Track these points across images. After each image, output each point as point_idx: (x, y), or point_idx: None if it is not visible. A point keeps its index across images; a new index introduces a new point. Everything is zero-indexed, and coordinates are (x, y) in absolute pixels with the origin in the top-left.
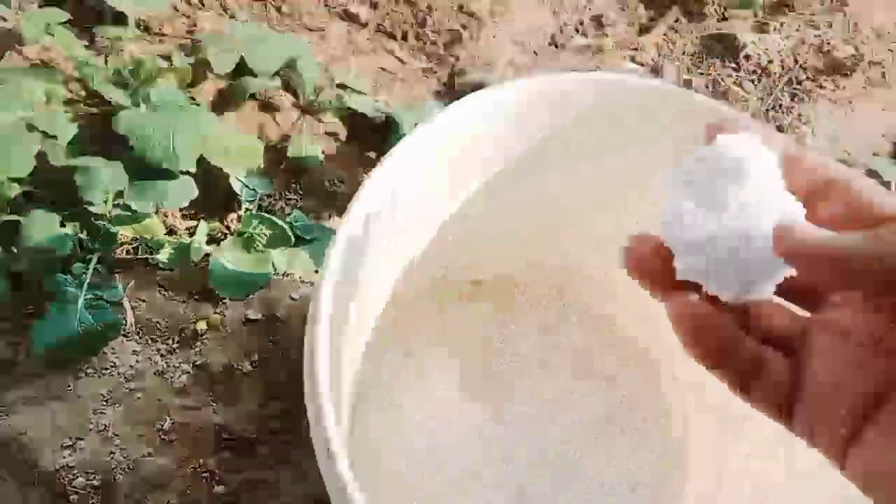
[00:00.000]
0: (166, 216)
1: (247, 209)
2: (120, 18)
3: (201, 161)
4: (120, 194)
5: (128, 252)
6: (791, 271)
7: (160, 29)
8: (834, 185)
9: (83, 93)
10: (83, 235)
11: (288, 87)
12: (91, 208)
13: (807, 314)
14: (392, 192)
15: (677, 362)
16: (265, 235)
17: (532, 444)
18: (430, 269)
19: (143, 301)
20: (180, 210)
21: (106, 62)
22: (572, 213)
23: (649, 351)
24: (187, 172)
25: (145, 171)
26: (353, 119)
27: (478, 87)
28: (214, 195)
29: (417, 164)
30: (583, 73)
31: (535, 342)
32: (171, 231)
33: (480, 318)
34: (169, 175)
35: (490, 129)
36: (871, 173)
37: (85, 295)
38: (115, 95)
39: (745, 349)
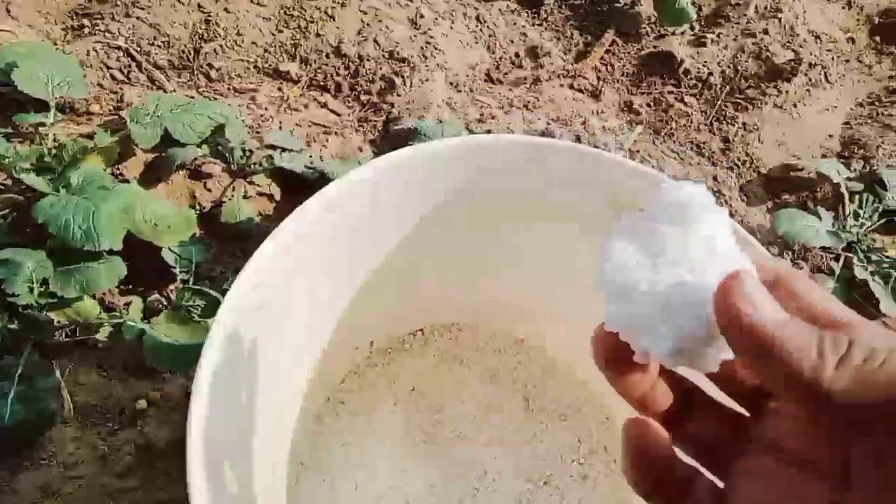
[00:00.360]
0: (104, 294)
1: (182, 280)
2: (43, 104)
3: (130, 237)
4: (46, 282)
5: (66, 335)
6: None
7: (87, 108)
8: (781, 284)
9: (9, 181)
10: (14, 326)
11: (217, 153)
12: (16, 300)
13: (746, 414)
14: (276, 275)
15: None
16: (199, 306)
17: (483, 496)
18: (363, 327)
19: (82, 384)
20: (117, 286)
21: (31, 148)
22: (507, 261)
23: (598, 390)
24: (117, 252)
25: (69, 256)
26: (285, 178)
27: (410, 132)
28: (150, 269)
29: (306, 246)
30: (475, 136)
31: (483, 387)
32: (109, 308)
33: (424, 370)
34: (94, 258)
35: (393, 192)
36: (821, 176)
37: (17, 387)
38: (36, 183)
39: (676, 477)
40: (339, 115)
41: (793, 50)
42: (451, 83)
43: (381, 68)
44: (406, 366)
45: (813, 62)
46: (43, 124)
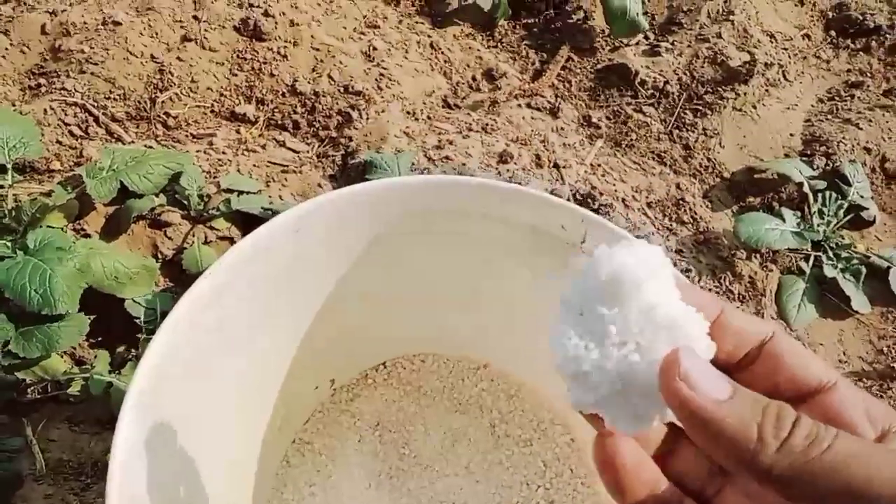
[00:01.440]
0: (73, 348)
1: (147, 330)
2: (1, 167)
3: (95, 291)
4: (8, 343)
5: (38, 392)
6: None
7: (48, 166)
8: (764, 351)
9: None
10: None
11: (175, 200)
12: None
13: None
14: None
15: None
16: None
17: None
18: (320, 366)
19: (54, 441)
20: (86, 339)
21: None
22: (460, 292)
23: (561, 411)
24: (81, 309)
25: (29, 317)
26: (244, 220)
27: (367, 165)
28: (117, 321)
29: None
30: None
31: (449, 416)
32: (79, 362)
33: (389, 403)
34: (55, 318)
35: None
36: (783, 177)
37: None
38: None
39: (662, 495)
40: (297, 152)
41: (748, 51)
42: (408, 112)
43: (337, 103)
44: (370, 401)
45: (769, 62)
46: (1, 187)
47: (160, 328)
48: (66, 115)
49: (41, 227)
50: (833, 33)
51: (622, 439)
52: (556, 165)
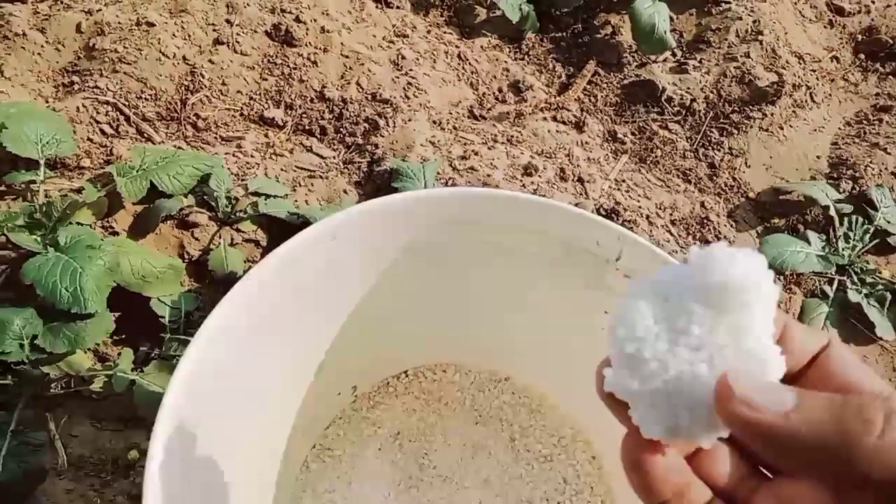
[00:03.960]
0: (97, 345)
1: (171, 329)
2: (35, 162)
3: (121, 289)
4: (36, 337)
5: (62, 387)
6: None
7: (78, 163)
8: (819, 361)
9: (3, 239)
10: (8, 381)
11: (203, 202)
12: (7, 357)
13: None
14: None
15: (611, 441)
16: None
17: None
18: (344, 373)
19: (76, 436)
20: (110, 337)
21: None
22: (487, 303)
23: (584, 429)
24: (106, 306)
25: (57, 313)
26: (271, 223)
27: (393, 173)
28: (141, 319)
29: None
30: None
31: (469, 428)
32: (103, 359)
33: (409, 412)
34: (81, 315)
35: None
36: (809, 200)
37: (9, 443)
38: (25, 242)
39: (694, 493)
40: (323, 158)
41: (776, 72)
42: (434, 122)
43: (364, 110)
44: (390, 409)
45: (797, 83)
46: (34, 182)
47: (197, 333)
48: (97, 113)
49: (71, 223)
50: (862, 56)
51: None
52: (580, 180)
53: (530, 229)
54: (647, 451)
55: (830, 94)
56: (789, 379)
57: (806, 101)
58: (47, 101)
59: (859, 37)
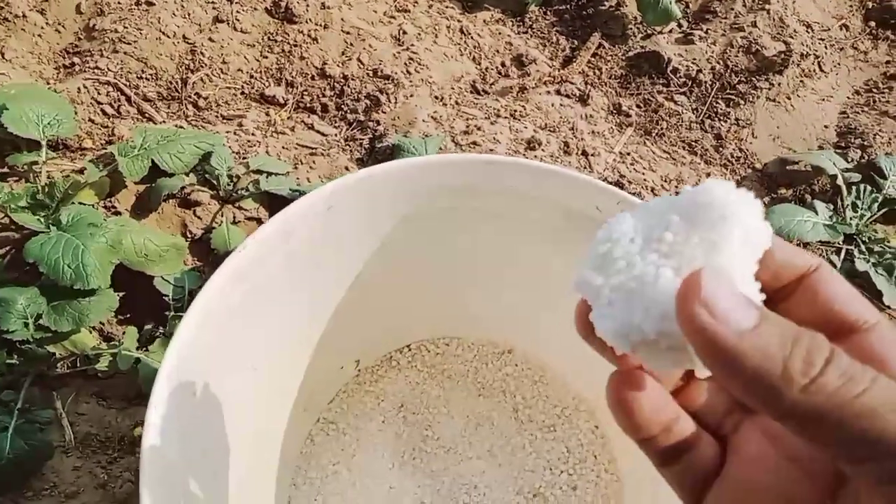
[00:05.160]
0: (102, 324)
1: (175, 308)
2: (36, 143)
3: (125, 268)
4: (40, 316)
5: (68, 366)
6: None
7: (80, 144)
8: (806, 283)
9: (6, 220)
10: (14, 361)
11: (205, 180)
12: (12, 335)
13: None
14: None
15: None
16: None
17: None
18: (346, 347)
19: (82, 414)
20: (115, 315)
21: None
22: (489, 274)
23: (586, 398)
24: (110, 285)
25: (61, 292)
26: (273, 201)
27: (395, 149)
28: (145, 298)
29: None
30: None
31: (472, 400)
32: (107, 338)
33: (413, 385)
34: (85, 293)
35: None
36: (817, 169)
37: (16, 421)
38: (28, 221)
39: (681, 427)
40: (325, 135)
41: (783, 41)
42: (436, 97)
43: (365, 87)
44: (394, 383)
45: (805, 52)
46: (36, 163)
47: (194, 301)
48: (98, 94)
49: (73, 203)
50: (873, 24)
51: (639, 377)
52: (584, 153)
53: (531, 195)
54: (632, 388)
55: (839, 63)
56: (772, 298)
57: (814, 71)
58: (48, 83)
59: (870, 4)
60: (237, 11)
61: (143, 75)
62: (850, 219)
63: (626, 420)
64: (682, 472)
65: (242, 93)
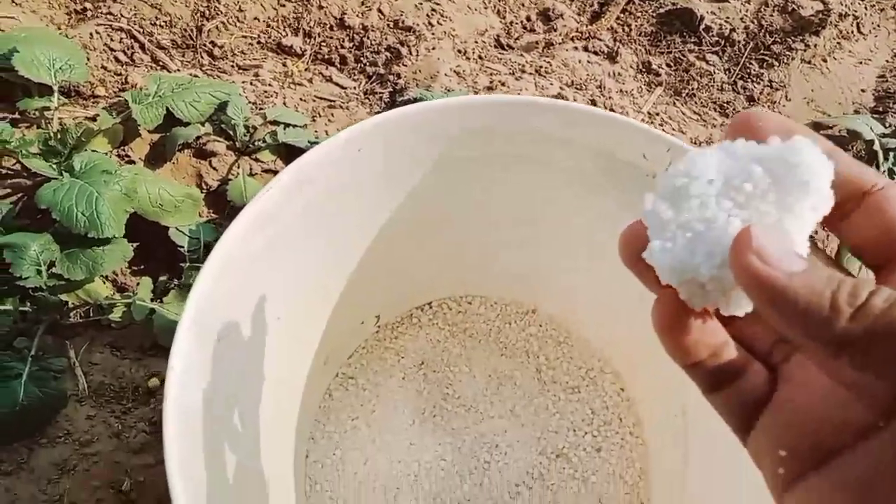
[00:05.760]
0: (116, 275)
1: (191, 259)
2: (48, 89)
3: (139, 217)
4: (54, 264)
5: (81, 316)
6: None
7: (93, 91)
8: (867, 201)
9: (18, 166)
10: (27, 308)
11: (221, 130)
12: (25, 282)
13: None
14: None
15: (641, 372)
16: None
17: (494, 469)
18: (366, 302)
19: (96, 364)
20: (129, 266)
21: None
22: (517, 231)
23: (612, 360)
24: (125, 235)
25: (74, 240)
26: (290, 153)
27: (415, 103)
28: (160, 248)
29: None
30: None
31: (495, 359)
32: (121, 288)
33: (434, 343)
34: (99, 241)
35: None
36: (853, 134)
37: (30, 368)
38: (41, 167)
39: (730, 352)
40: (344, 88)
41: (821, 1)
42: (459, 51)
43: (386, 38)
44: (414, 340)
45: (843, 13)
46: (48, 108)
47: (214, 248)
48: (111, 40)
49: (86, 150)
50: None
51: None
52: (612, 112)
53: (567, 140)
54: (680, 312)
55: (879, 25)
56: (834, 215)
57: (852, 32)
58: (59, 29)
59: None
60: None
61: (157, 22)
62: None
63: (674, 343)
64: (731, 397)
65: (259, 42)
